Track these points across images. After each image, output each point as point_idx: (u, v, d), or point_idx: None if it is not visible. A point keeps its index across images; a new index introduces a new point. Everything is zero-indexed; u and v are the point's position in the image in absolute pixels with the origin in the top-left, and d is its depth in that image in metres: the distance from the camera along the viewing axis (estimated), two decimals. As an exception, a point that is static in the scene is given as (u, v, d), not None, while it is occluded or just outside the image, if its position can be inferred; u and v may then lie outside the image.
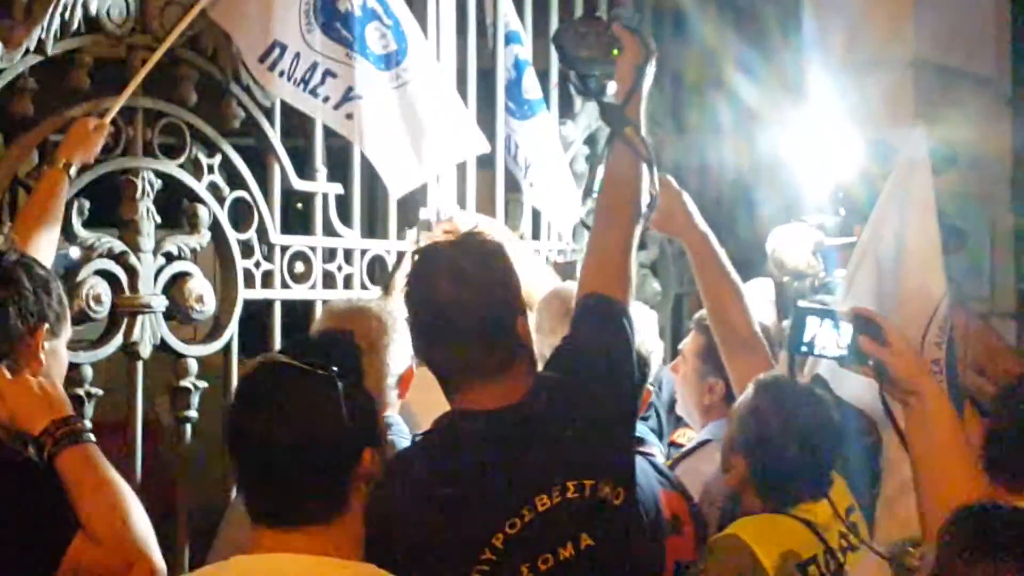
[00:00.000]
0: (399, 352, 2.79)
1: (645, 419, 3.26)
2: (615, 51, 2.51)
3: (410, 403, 2.91)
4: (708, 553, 2.63)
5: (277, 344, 3.47)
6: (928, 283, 2.86)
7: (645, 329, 3.79)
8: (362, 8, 3.40)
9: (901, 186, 3.00)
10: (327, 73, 3.35)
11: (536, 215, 4.28)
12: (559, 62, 2.59)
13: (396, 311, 2.71)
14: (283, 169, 3.48)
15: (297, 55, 3.30)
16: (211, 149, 3.32)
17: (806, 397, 2.73)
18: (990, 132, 5.11)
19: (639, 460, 2.98)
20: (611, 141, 2.52)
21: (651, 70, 2.55)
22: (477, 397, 2.23)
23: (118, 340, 3.10)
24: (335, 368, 1.92)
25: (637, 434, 3.10)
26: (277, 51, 3.26)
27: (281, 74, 3.28)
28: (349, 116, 3.40)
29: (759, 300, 3.45)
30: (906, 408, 2.29)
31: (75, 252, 3.03)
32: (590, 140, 4.63)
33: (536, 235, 4.29)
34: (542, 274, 3.69)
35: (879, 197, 3.07)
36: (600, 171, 2.53)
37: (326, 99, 3.37)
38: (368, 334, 2.73)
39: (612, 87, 2.55)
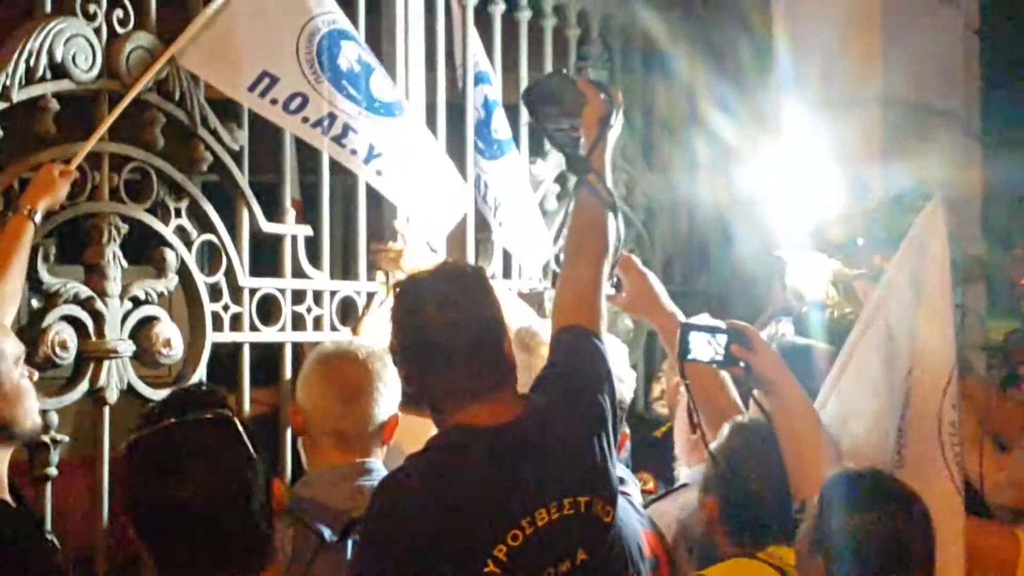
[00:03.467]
0: (385, 400, 2.75)
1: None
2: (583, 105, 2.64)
3: (400, 444, 2.85)
4: None
5: (247, 386, 3.47)
6: (943, 353, 2.83)
7: (619, 365, 3.80)
8: (359, 62, 3.44)
9: (915, 255, 2.93)
10: (348, 128, 3.41)
11: (506, 255, 4.28)
12: (530, 118, 2.70)
13: (385, 357, 2.69)
14: (251, 212, 3.48)
15: (304, 97, 3.33)
16: (178, 193, 3.31)
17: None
18: (961, 167, 5.13)
19: (620, 499, 2.99)
20: (576, 188, 2.64)
21: (617, 121, 2.67)
22: (473, 417, 2.30)
23: (84, 386, 3.08)
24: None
25: (619, 474, 3.12)
26: (267, 80, 3.28)
27: (274, 102, 3.30)
28: (379, 173, 3.50)
29: None
30: (770, 398, 2.75)
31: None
32: (561, 178, 4.60)
33: (507, 275, 4.28)
34: (518, 310, 3.68)
35: (892, 262, 2.99)
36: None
37: (354, 152, 3.44)
38: (350, 381, 2.72)
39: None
